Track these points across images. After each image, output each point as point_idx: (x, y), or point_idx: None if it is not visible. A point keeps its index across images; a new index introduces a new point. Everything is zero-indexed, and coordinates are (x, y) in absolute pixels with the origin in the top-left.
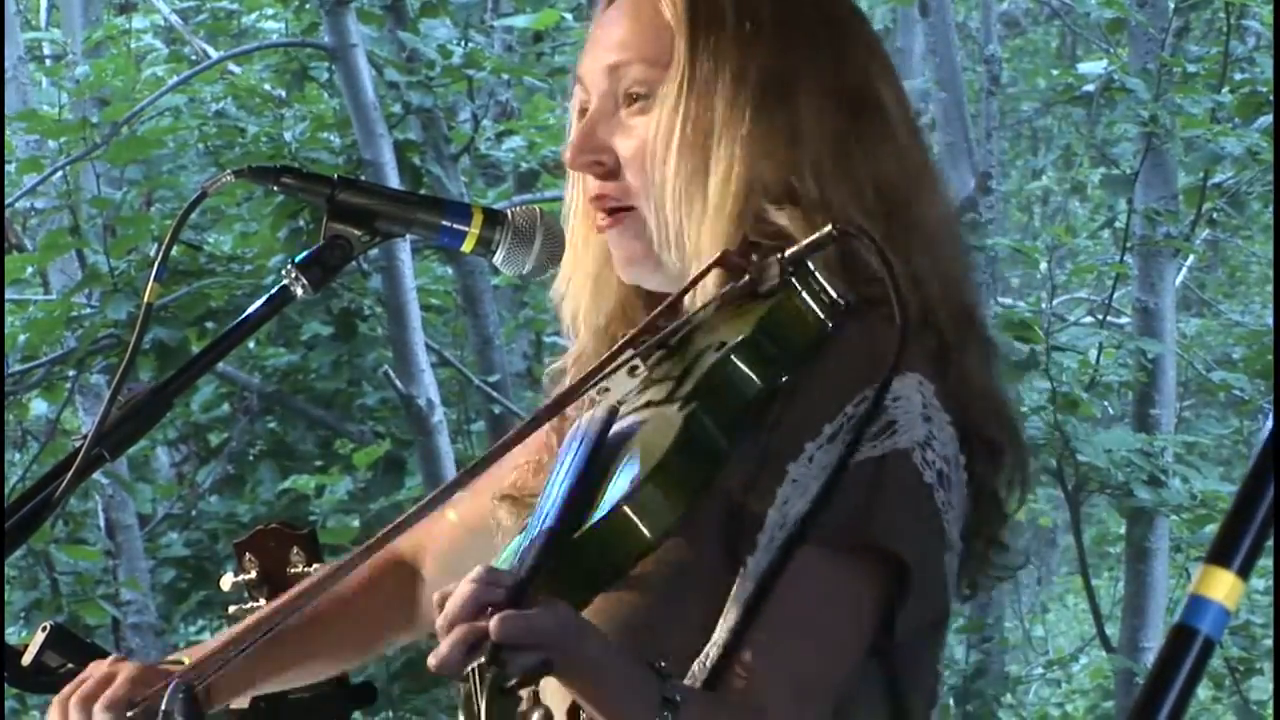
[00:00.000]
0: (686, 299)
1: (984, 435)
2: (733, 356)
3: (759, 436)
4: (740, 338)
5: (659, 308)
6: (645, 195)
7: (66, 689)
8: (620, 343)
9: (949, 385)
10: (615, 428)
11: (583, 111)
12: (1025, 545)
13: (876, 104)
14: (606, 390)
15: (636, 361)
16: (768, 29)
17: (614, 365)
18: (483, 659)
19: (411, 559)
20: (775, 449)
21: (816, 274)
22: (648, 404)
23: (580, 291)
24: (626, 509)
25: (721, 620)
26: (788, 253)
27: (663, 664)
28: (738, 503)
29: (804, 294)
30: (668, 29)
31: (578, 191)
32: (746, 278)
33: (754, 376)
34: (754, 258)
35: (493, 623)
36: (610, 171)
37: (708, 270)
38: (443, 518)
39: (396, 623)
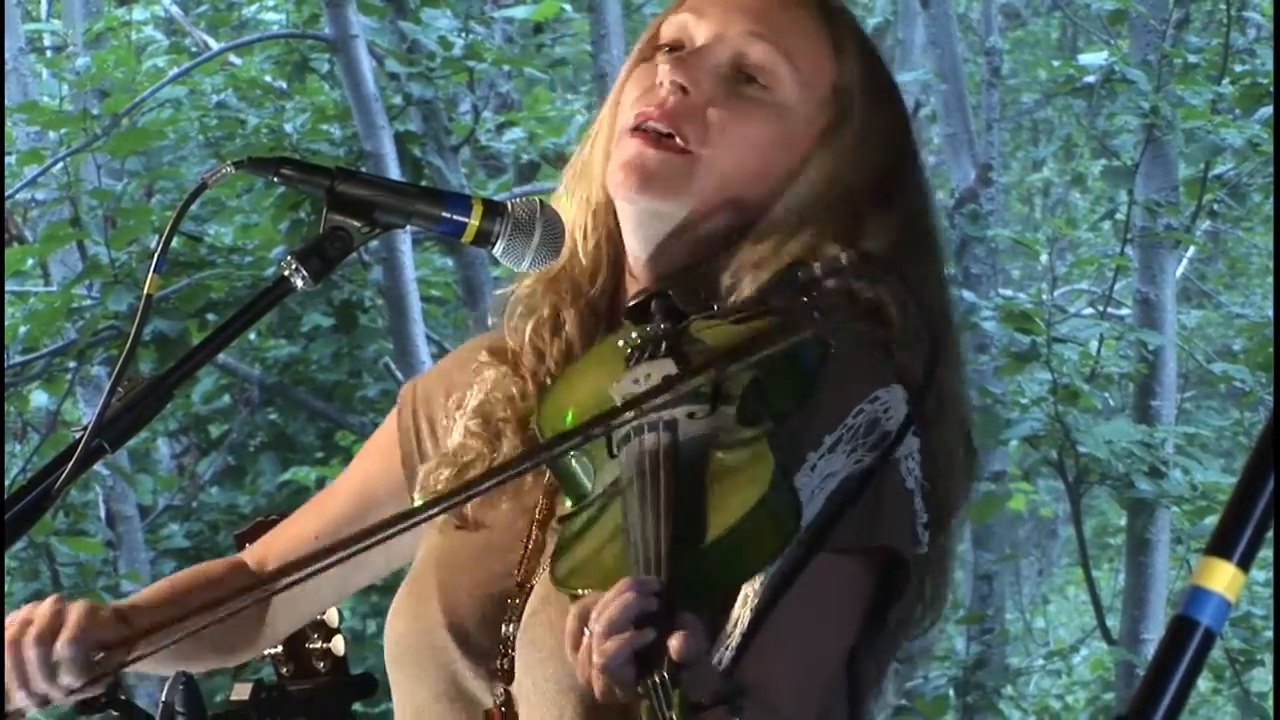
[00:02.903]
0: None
1: (949, 449)
2: (770, 375)
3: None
4: (781, 357)
5: (723, 354)
6: (721, 160)
7: (11, 631)
8: (678, 375)
9: (926, 405)
10: (680, 427)
11: (663, 48)
12: (1026, 536)
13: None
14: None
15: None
16: (893, 88)
17: (660, 399)
18: (665, 675)
19: (259, 569)
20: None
21: (826, 298)
22: (693, 416)
23: (538, 288)
24: (752, 522)
25: (734, 623)
26: (801, 273)
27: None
28: None
29: (815, 311)
30: (823, 40)
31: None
32: (756, 293)
33: (786, 396)
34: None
35: (676, 642)
36: (690, 107)
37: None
38: (298, 530)
39: (249, 628)
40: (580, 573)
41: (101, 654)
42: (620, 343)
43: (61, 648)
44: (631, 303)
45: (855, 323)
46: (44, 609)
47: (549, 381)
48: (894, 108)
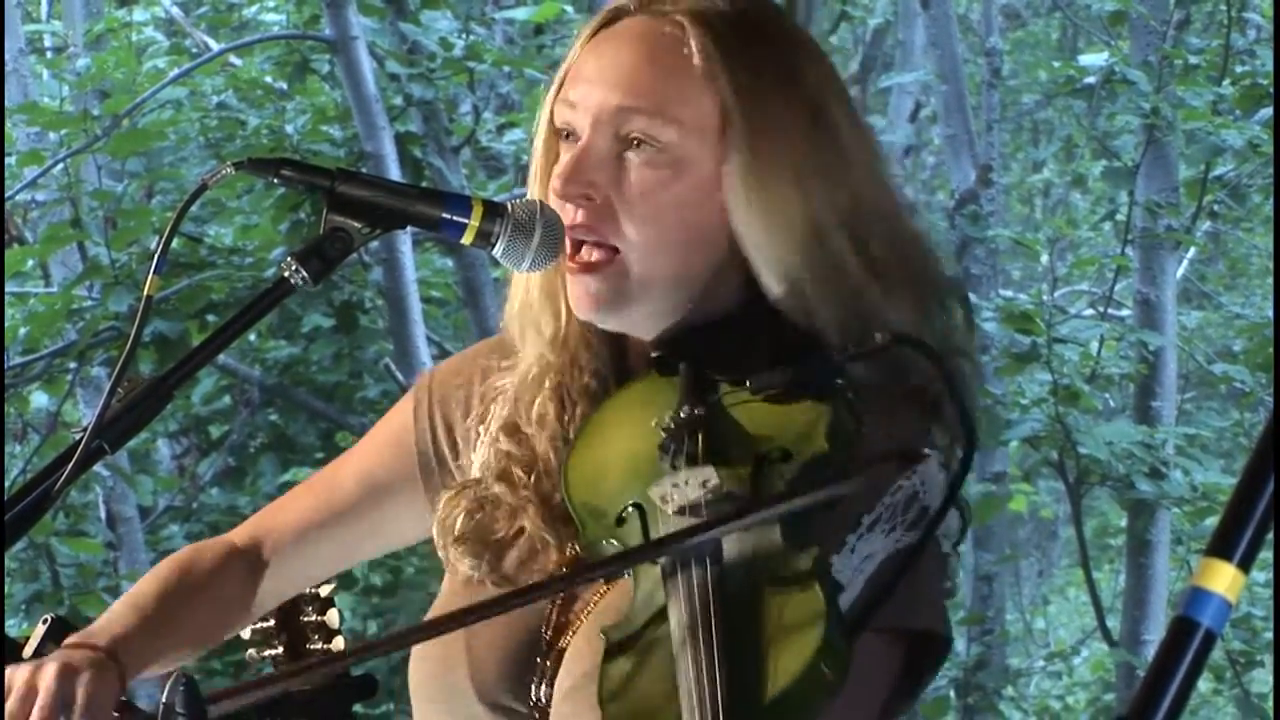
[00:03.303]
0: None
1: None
2: (810, 471)
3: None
4: (815, 451)
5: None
6: (642, 243)
7: (13, 705)
8: (738, 512)
9: (954, 464)
10: (725, 549)
11: (564, 133)
12: (1027, 537)
13: (881, 171)
14: (673, 500)
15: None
16: (808, 95)
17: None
18: None
19: (252, 549)
20: (817, 542)
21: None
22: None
23: (537, 308)
24: (804, 685)
25: None
26: (836, 356)
27: None
28: None
29: (850, 393)
30: (693, 80)
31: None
32: (790, 373)
33: (830, 490)
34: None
35: None
36: (597, 207)
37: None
38: (299, 512)
39: (237, 613)
40: (632, 714)
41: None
42: (642, 410)
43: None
44: (655, 354)
45: (889, 399)
46: (48, 682)
47: (571, 435)
48: (790, 96)
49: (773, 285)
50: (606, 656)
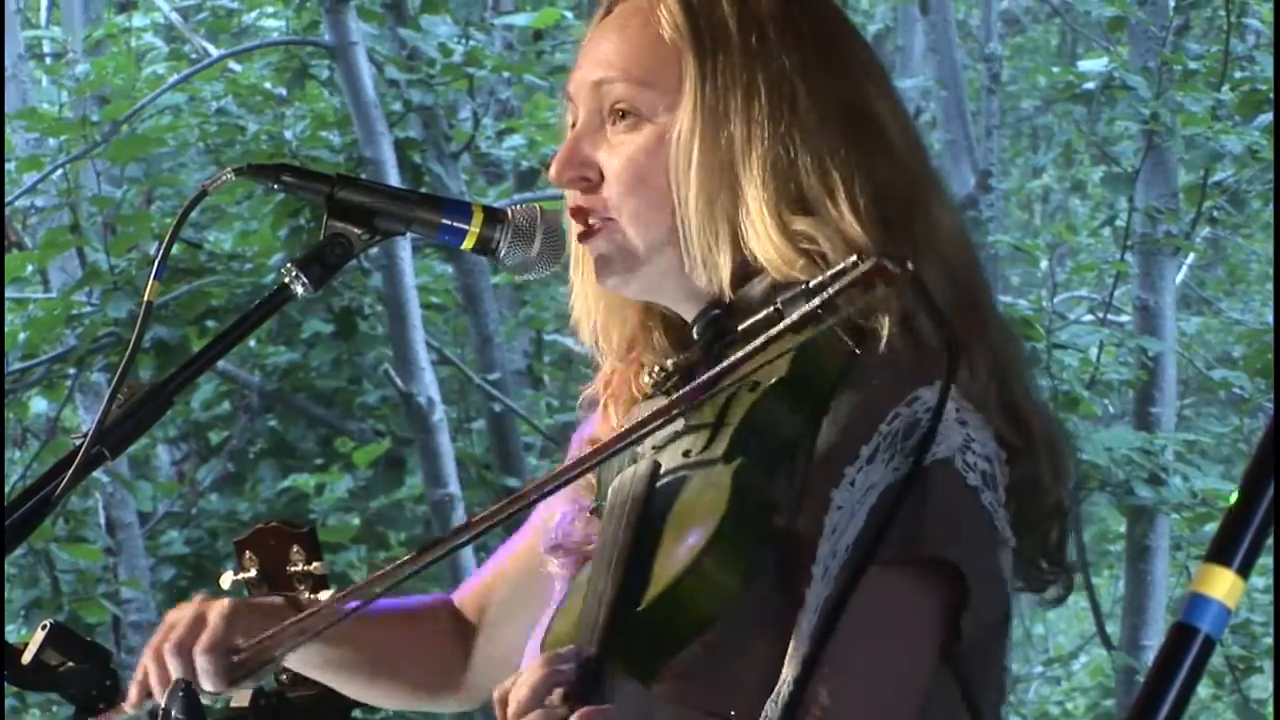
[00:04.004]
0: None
1: (1003, 434)
2: (770, 398)
3: (797, 469)
4: (777, 377)
5: (722, 367)
6: (628, 211)
7: (156, 637)
8: (670, 403)
9: (966, 384)
10: (660, 485)
11: (573, 125)
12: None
13: (872, 116)
14: (645, 443)
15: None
16: (769, 46)
17: (653, 425)
18: None
19: (465, 611)
20: (816, 477)
21: (840, 301)
22: (686, 454)
23: (594, 309)
24: (688, 582)
25: (790, 657)
26: (813, 283)
27: (732, 715)
28: (782, 534)
29: (834, 325)
30: (661, 45)
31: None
32: (773, 309)
33: (792, 415)
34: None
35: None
36: (594, 186)
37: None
38: (488, 569)
39: (450, 669)
40: (552, 644)
41: (241, 655)
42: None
43: (198, 656)
44: (695, 331)
45: (876, 323)
46: (185, 614)
47: None
48: (753, 64)
49: (688, 240)
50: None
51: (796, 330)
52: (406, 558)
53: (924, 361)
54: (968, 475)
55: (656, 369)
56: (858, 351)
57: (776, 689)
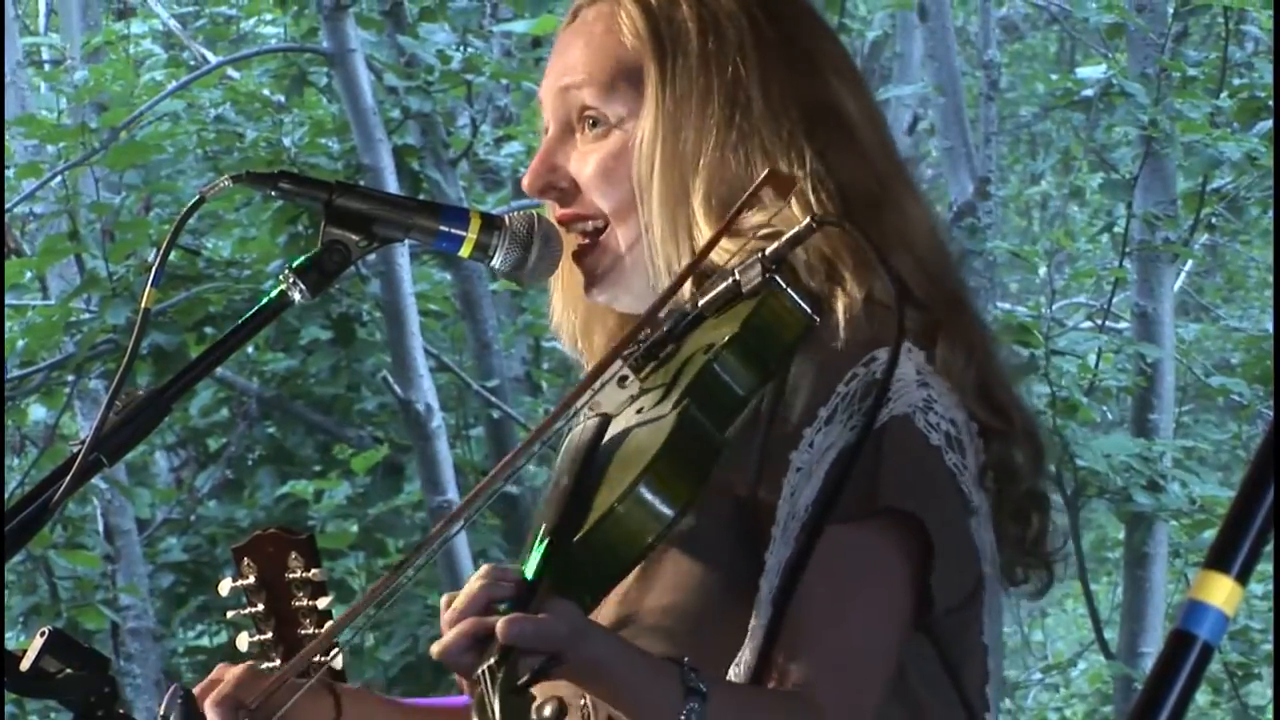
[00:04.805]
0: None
1: (978, 415)
2: (722, 355)
3: (756, 432)
4: (728, 336)
5: (651, 309)
6: (617, 215)
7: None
8: (610, 353)
9: (939, 362)
10: (609, 435)
11: (546, 133)
12: None
13: (837, 112)
14: (598, 404)
15: (627, 373)
16: (726, 47)
17: (605, 377)
18: (493, 660)
19: None
20: (775, 441)
21: (797, 270)
22: (639, 412)
23: (574, 312)
24: (621, 507)
25: (753, 618)
26: (768, 250)
27: (686, 659)
28: (746, 500)
29: (788, 290)
30: (624, 50)
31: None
32: (731, 280)
33: (745, 372)
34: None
35: (500, 624)
36: (569, 195)
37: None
38: None
39: None
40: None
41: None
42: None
43: (208, 708)
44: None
45: (832, 286)
46: (230, 674)
47: None
48: (707, 64)
49: (651, 241)
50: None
51: (749, 296)
52: (392, 570)
53: (881, 325)
54: (930, 434)
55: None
56: (816, 320)
57: (739, 653)
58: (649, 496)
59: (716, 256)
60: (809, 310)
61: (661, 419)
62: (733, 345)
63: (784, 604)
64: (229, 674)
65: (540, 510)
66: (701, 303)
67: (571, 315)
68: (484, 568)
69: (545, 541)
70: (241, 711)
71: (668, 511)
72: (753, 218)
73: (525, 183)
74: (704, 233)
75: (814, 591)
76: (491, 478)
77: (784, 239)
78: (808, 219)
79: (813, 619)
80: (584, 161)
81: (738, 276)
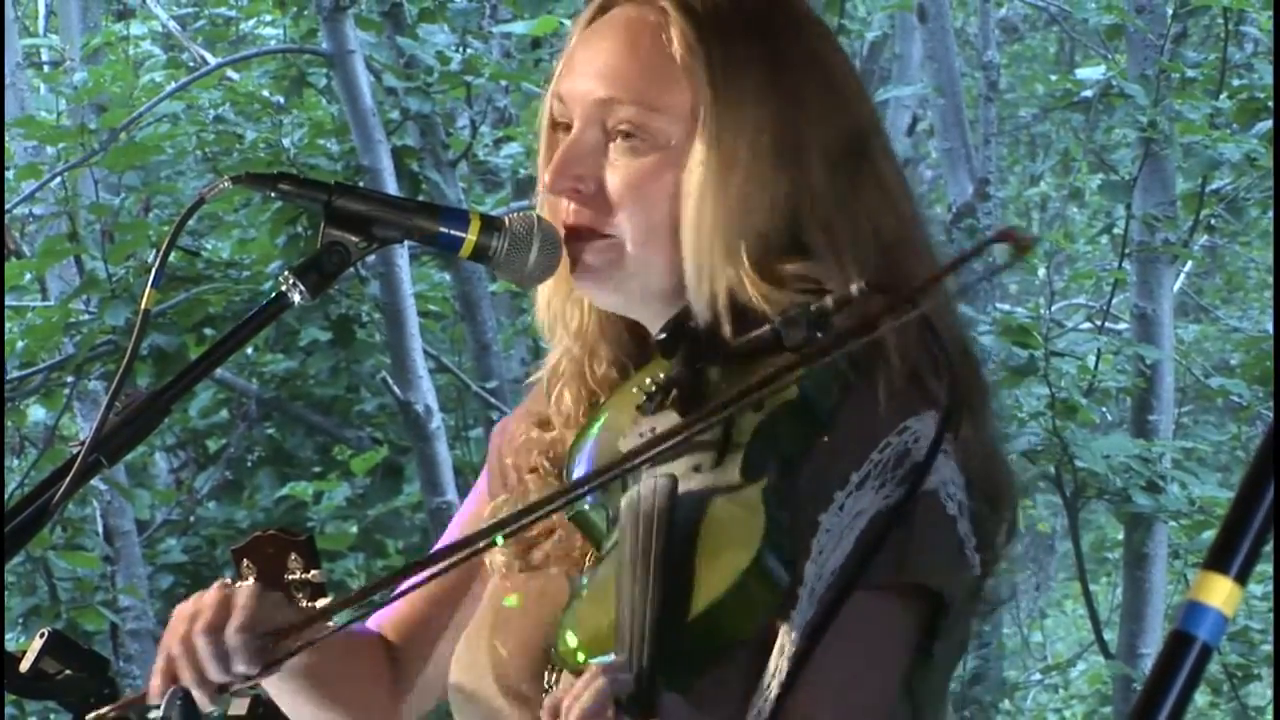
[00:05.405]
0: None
1: (983, 487)
2: (778, 419)
3: (789, 490)
4: (785, 400)
5: (742, 391)
6: (631, 234)
7: (177, 626)
8: (687, 424)
9: (959, 431)
10: (679, 498)
11: (560, 126)
12: (1024, 551)
13: (872, 159)
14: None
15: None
16: (783, 81)
17: (672, 444)
18: None
19: (394, 635)
20: (805, 501)
21: (840, 329)
22: (697, 469)
23: (553, 295)
24: (732, 600)
25: (772, 674)
26: (814, 307)
27: None
28: None
29: (833, 352)
30: (673, 68)
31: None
32: (770, 331)
33: (797, 438)
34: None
35: None
36: (588, 198)
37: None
38: (409, 601)
39: (388, 696)
40: (582, 647)
41: (272, 639)
42: (635, 389)
43: (231, 636)
44: (660, 335)
45: (875, 354)
46: (210, 597)
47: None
48: (765, 90)
49: (691, 278)
50: (571, 598)
51: (803, 355)
52: (433, 554)
53: (917, 392)
54: (948, 505)
55: (648, 382)
56: (854, 380)
57: (755, 705)
58: (757, 589)
59: (755, 300)
60: (849, 370)
61: (742, 493)
62: (788, 411)
63: (804, 661)
64: (245, 595)
65: (623, 574)
66: (735, 345)
67: (551, 297)
68: (596, 667)
69: (650, 624)
70: (269, 638)
71: (772, 601)
72: (796, 267)
73: (549, 179)
74: (753, 278)
75: (836, 653)
76: (537, 506)
77: (833, 300)
78: (857, 286)
79: (836, 678)
80: (616, 173)
81: (780, 328)
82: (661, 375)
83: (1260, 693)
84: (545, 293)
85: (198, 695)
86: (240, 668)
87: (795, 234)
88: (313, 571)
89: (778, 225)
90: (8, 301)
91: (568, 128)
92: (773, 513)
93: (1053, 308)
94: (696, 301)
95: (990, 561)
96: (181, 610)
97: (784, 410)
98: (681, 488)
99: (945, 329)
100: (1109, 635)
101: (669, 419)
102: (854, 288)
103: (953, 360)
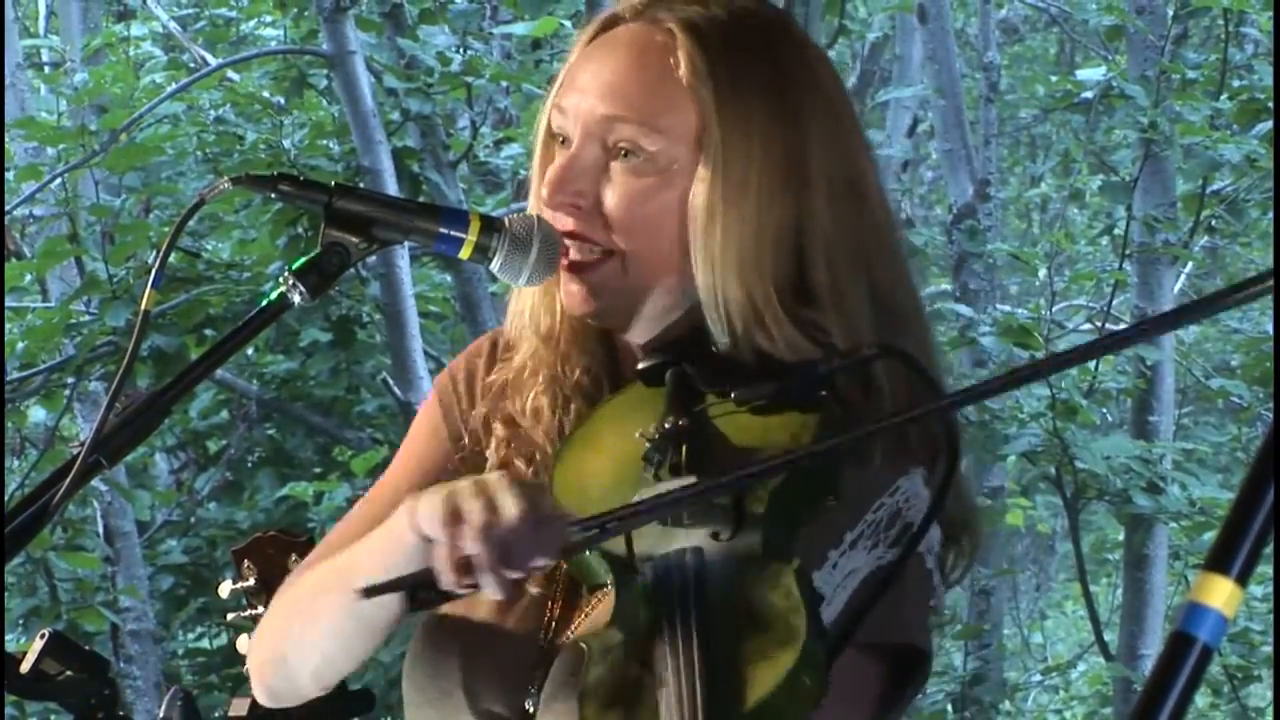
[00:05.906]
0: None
1: (951, 528)
2: (791, 486)
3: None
4: (801, 471)
5: (765, 467)
6: (637, 253)
7: (448, 520)
8: (702, 487)
9: (937, 478)
10: (707, 559)
11: (557, 138)
12: (1024, 551)
13: (865, 184)
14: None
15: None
16: (787, 105)
17: (687, 501)
18: None
19: None
20: (799, 555)
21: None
22: (715, 537)
23: (533, 304)
24: (782, 697)
25: None
26: (823, 369)
27: None
28: None
29: (839, 407)
30: (679, 90)
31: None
32: (777, 385)
33: (806, 502)
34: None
35: None
36: (585, 214)
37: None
38: (352, 527)
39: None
40: None
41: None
42: (637, 433)
43: (541, 530)
44: (644, 365)
45: (874, 414)
46: (466, 501)
47: (566, 428)
48: (772, 113)
49: (709, 304)
50: (588, 667)
51: (802, 408)
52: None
53: (907, 451)
54: (927, 559)
55: (652, 429)
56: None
57: None
58: (808, 685)
59: (765, 343)
60: (858, 436)
61: (771, 571)
62: (799, 473)
63: None
64: (529, 486)
65: (661, 651)
66: (735, 395)
67: (528, 296)
68: None
69: (702, 715)
70: (571, 528)
71: (820, 694)
72: (808, 313)
73: (546, 194)
74: (774, 315)
75: (825, 707)
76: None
77: (849, 360)
78: (876, 350)
79: None
80: (615, 192)
81: (785, 385)
82: (664, 424)
83: (1260, 694)
84: (521, 293)
85: (493, 589)
86: (540, 559)
87: (799, 258)
88: None
89: (784, 249)
90: (8, 302)
91: (565, 140)
92: (808, 596)
93: (1053, 309)
94: (714, 324)
95: (945, 589)
96: (440, 507)
97: (796, 475)
98: (707, 559)
99: (925, 342)
100: (1109, 636)
101: (688, 483)
102: (873, 351)
103: (954, 430)
